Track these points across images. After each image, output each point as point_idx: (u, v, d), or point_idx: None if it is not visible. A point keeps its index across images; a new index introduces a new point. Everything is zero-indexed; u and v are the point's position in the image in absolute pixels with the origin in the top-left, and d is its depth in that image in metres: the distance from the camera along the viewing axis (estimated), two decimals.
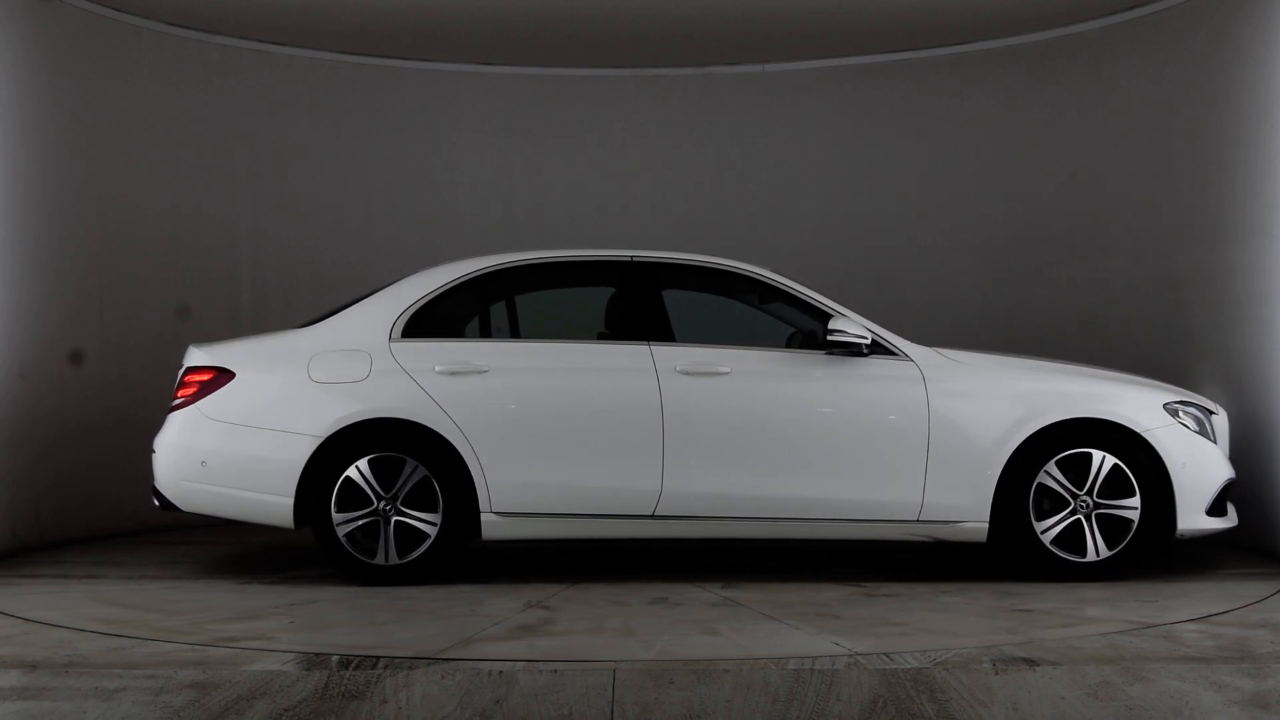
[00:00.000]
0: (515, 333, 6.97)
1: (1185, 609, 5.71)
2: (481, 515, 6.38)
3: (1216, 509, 6.44)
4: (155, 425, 6.73)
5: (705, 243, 8.44)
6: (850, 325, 6.41)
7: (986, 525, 6.33)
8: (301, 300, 8.68)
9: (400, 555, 6.37)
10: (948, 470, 6.33)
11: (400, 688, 4.52)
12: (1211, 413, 6.60)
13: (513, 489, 6.38)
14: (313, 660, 4.78)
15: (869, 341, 6.41)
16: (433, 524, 6.37)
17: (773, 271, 6.75)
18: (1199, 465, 6.39)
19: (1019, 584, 6.33)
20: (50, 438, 7.82)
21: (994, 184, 9.13)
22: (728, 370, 6.43)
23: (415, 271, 6.84)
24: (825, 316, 6.50)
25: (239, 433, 6.45)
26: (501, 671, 4.61)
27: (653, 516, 6.37)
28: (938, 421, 6.35)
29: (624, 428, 6.39)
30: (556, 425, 6.44)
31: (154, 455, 6.62)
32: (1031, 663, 4.67)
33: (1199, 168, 7.87)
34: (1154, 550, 6.42)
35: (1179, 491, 6.33)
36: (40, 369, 7.77)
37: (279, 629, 5.43)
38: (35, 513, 7.72)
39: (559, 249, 6.94)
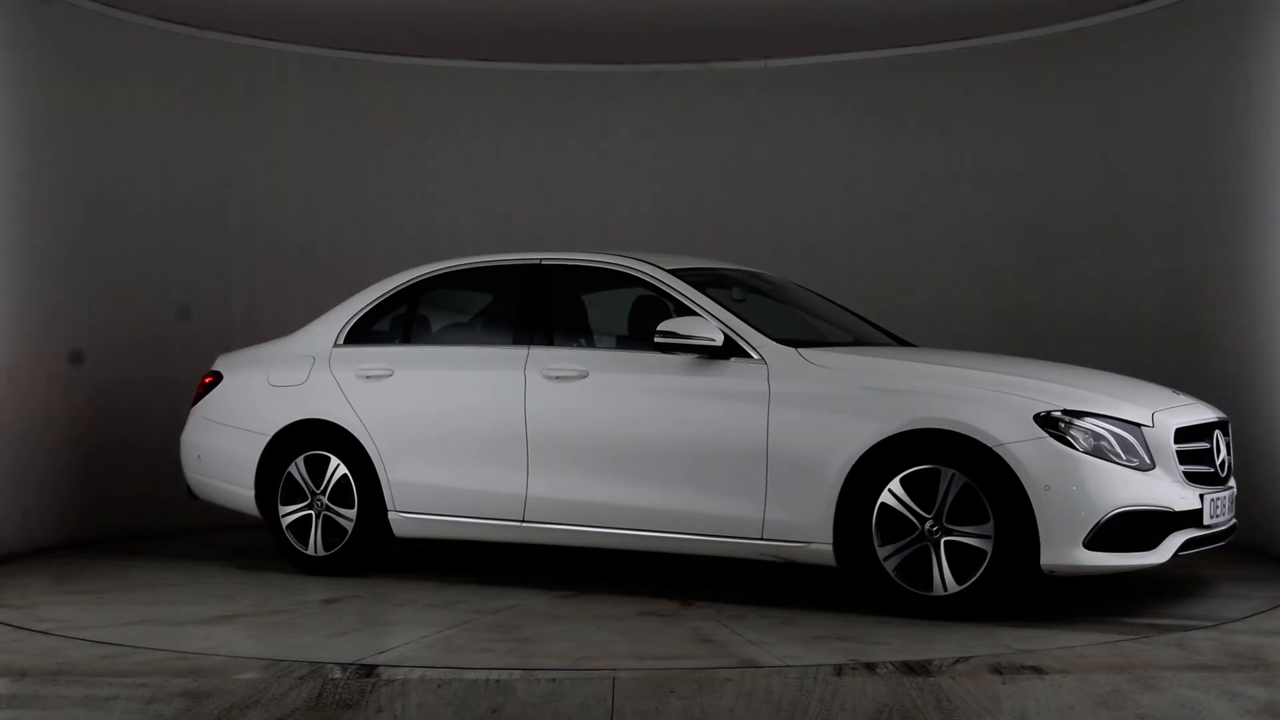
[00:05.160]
0: (432, 339, 7.04)
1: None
2: (389, 513, 6.67)
3: (1112, 541, 5.36)
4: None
5: (706, 241, 8.40)
6: (687, 326, 5.95)
7: (830, 548, 5.70)
8: (297, 298, 8.62)
9: (327, 548, 6.79)
10: (787, 485, 5.75)
11: (395, 696, 4.44)
12: (1139, 425, 5.53)
13: (408, 489, 6.63)
14: (307, 667, 4.71)
15: (718, 343, 5.91)
16: (350, 519, 6.73)
17: (671, 270, 6.36)
18: (1072, 488, 5.32)
19: (835, 614, 5.67)
20: (40, 441, 7.71)
21: (1001, 181, 9.02)
22: (585, 373, 6.28)
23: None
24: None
25: (219, 430, 7.20)
26: (499, 680, 4.54)
27: (522, 522, 6.37)
28: (777, 430, 5.78)
29: (495, 431, 6.44)
30: (440, 428, 6.63)
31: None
32: (1039, 671, 4.59)
33: (1211, 165, 7.77)
34: (1005, 586, 5.47)
35: (1040, 518, 5.32)
36: (30, 371, 7.65)
37: (83, 599, 6.17)
38: (23, 517, 7.60)
39: (484, 255, 6.99)
